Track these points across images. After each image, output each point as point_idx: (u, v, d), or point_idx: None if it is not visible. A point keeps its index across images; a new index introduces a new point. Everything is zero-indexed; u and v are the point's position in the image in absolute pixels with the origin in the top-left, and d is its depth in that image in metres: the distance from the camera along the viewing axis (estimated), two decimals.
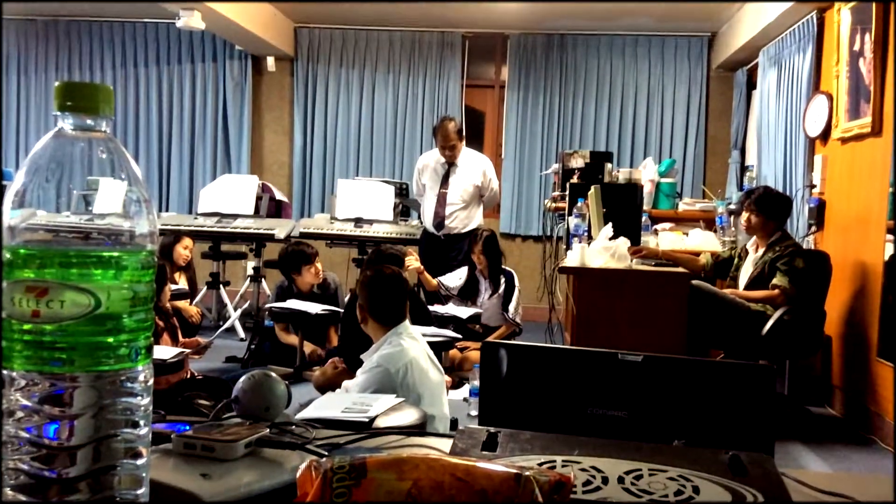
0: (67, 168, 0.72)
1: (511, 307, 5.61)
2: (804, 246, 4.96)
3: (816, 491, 0.90)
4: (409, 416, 2.57)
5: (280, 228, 6.28)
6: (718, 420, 1.16)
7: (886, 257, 4.22)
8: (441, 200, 5.86)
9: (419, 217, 6.36)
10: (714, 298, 4.29)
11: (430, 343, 3.52)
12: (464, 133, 5.92)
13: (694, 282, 4.20)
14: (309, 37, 8.18)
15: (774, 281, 4.30)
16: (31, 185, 0.70)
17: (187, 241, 6.08)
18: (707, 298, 4.25)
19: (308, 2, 7.40)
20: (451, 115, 7.00)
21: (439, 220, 5.87)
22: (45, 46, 8.32)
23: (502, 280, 5.66)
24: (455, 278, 5.69)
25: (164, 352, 3.81)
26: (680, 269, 4.16)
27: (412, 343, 3.27)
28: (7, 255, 0.69)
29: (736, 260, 4.72)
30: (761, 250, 4.51)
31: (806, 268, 4.32)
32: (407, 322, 3.36)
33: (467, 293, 5.69)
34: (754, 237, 4.60)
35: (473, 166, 5.92)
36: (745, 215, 4.57)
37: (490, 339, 5.35)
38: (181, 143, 8.31)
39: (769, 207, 4.48)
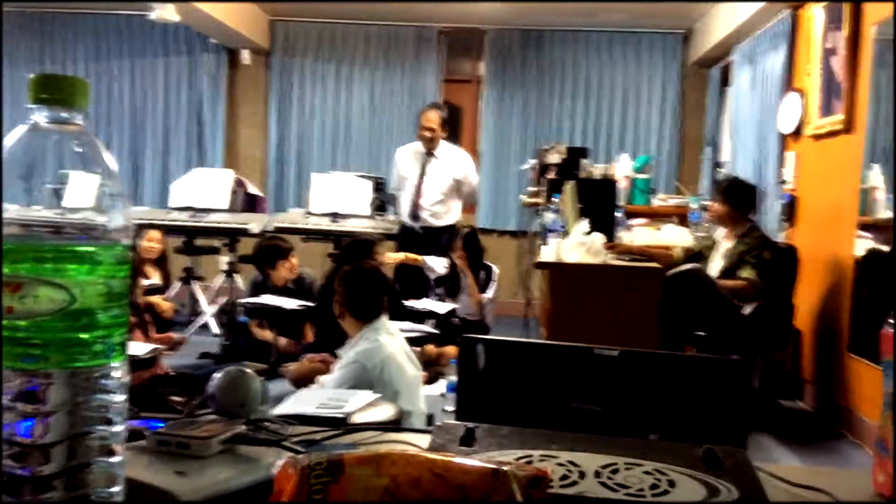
0: (40, 162, 0.71)
1: (488, 294, 5.67)
2: (776, 241, 5.01)
3: (790, 485, 0.91)
4: (383, 412, 2.56)
5: (254, 223, 6.23)
6: (693, 414, 1.17)
7: (857, 253, 4.28)
8: (418, 190, 5.83)
9: (396, 212, 6.35)
10: (711, 289, 4.26)
11: (405, 338, 3.52)
12: (446, 125, 5.88)
13: (692, 266, 4.24)
14: (285, 30, 8.13)
15: (743, 274, 4.34)
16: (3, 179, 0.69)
17: (152, 234, 5.92)
18: (703, 286, 4.24)
19: (287, 2, 7.37)
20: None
21: (416, 210, 5.83)
22: (17, 39, 8.19)
23: (482, 275, 5.70)
24: (440, 264, 5.69)
25: (137, 348, 3.77)
26: (654, 264, 4.18)
27: (389, 339, 3.26)
28: None
29: (706, 251, 4.75)
30: (731, 242, 4.54)
31: (773, 260, 4.37)
32: (385, 318, 3.35)
33: (450, 290, 5.71)
34: (724, 228, 4.64)
35: (453, 160, 5.90)
36: (711, 205, 4.61)
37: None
38: (155, 136, 8.23)
39: (735, 196, 4.52)
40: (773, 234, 5.30)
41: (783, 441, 4.09)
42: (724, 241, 4.60)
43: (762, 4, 5.47)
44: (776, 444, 4.05)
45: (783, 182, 5.44)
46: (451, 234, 5.84)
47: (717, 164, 7.31)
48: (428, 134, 5.77)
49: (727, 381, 1.17)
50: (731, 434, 1.10)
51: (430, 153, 5.85)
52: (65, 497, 0.68)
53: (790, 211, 5.30)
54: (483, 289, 5.68)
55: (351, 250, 4.93)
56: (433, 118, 5.77)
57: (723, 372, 1.19)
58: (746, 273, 4.32)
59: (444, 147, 5.90)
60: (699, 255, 4.77)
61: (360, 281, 3.36)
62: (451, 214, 5.89)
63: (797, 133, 5.29)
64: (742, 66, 6.47)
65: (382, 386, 3.02)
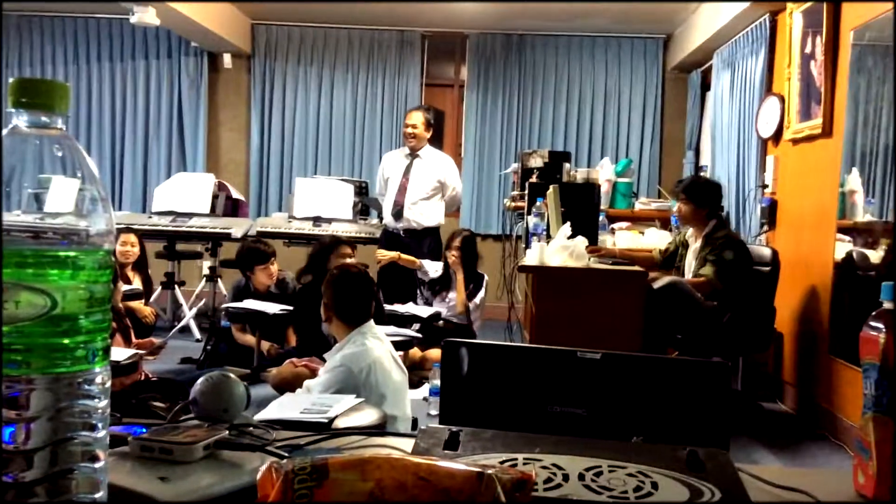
0: (21, 166, 0.71)
1: (475, 300, 5.69)
2: (756, 244, 5.04)
3: (772, 486, 0.92)
4: (368, 416, 2.55)
5: (236, 227, 6.21)
6: (676, 416, 1.18)
7: (837, 256, 4.32)
8: (402, 190, 5.87)
9: (379, 216, 6.36)
10: (689, 299, 4.28)
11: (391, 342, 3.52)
12: (430, 126, 5.93)
13: (672, 278, 4.26)
14: (266, 34, 8.11)
15: (701, 271, 4.37)
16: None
17: (125, 238, 5.75)
18: (681, 297, 4.25)
19: (267, 2, 7.34)
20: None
21: (398, 209, 5.85)
22: None
23: (471, 284, 5.74)
24: (434, 267, 5.72)
25: (118, 353, 3.74)
26: (636, 268, 4.20)
27: (376, 343, 3.26)
28: None
29: (680, 249, 4.77)
30: (699, 242, 4.55)
31: (735, 260, 4.37)
32: (371, 322, 3.35)
33: (440, 289, 5.74)
34: (691, 228, 4.65)
35: (437, 163, 5.95)
36: (676, 205, 4.63)
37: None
38: (135, 141, 8.18)
39: (697, 195, 4.53)
40: (753, 237, 5.34)
41: (765, 443, 4.12)
42: (694, 241, 4.62)
43: (742, 7, 5.52)
44: (758, 445, 4.07)
45: (763, 186, 5.48)
46: (434, 238, 5.87)
47: (698, 168, 7.36)
48: (410, 130, 5.85)
49: (708, 383, 1.18)
50: (713, 436, 1.10)
51: (414, 153, 5.89)
52: (47, 503, 0.67)
53: (770, 214, 5.34)
54: (472, 295, 5.69)
55: (317, 254, 4.99)
56: (416, 118, 5.87)
57: (703, 374, 1.20)
58: (705, 270, 4.35)
59: (429, 149, 5.96)
60: (675, 253, 4.80)
61: (347, 285, 3.35)
62: (433, 216, 5.91)
63: (777, 137, 5.33)
64: (722, 71, 6.52)
65: (369, 390, 3.01)
